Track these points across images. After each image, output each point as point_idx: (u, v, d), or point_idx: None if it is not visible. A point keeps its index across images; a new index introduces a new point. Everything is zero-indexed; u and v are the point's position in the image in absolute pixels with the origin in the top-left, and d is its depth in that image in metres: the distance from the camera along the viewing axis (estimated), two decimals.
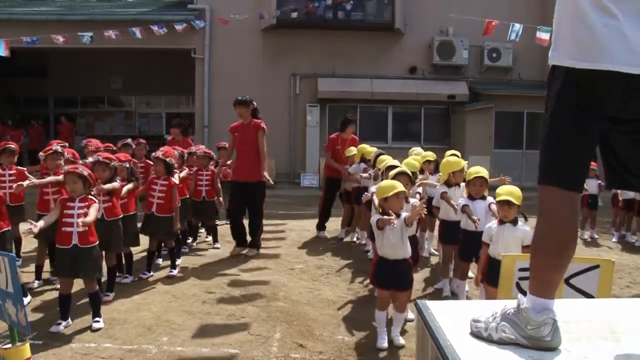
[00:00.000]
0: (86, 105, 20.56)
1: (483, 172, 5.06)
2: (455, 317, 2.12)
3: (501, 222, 4.22)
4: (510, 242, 4.10)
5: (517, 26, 10.94)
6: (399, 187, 4.22)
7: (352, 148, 7.99)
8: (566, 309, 2.10)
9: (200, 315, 4.82)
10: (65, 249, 4.31)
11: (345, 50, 15.61)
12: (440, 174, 5.92)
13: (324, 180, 8.84)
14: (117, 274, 5.50)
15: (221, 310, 4.97)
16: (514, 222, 4.19)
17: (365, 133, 15.77)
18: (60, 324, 4.36)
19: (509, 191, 4.25)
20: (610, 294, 2.87)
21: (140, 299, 5.22)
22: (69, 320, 4.47)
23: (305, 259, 6.89)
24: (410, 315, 4.70)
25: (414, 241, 4.88)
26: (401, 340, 4.22)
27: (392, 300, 4.29)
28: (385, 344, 4.17)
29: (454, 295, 5.40)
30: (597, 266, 2.87)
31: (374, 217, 4.32)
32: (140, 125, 20.83)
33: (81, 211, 4.33)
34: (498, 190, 4.34)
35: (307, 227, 8.63)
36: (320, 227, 8.28)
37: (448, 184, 5.57)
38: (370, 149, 7.42)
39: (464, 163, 5.72)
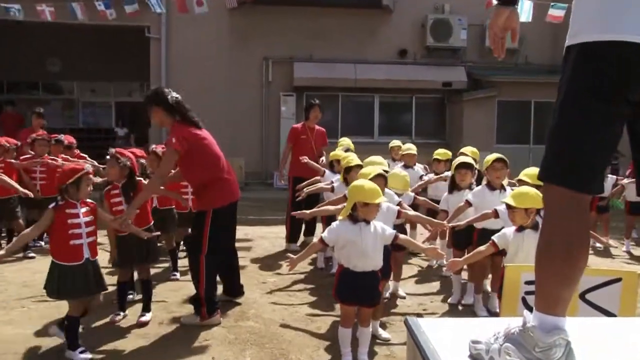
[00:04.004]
0: (14, 91, 20.03)
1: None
2: (452, 337, 2.12)
3: (520, 228, 4.28)
4: (531, 251, 4.10)
5: (528, 4, 10.93)
6: (380, 197, 4.20)
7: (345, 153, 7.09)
8: (582, 329, 2.09)
9: (156, 338, 4.76)
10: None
11: (325, 31, 15.63)
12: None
13: (289, 180, 8.25)
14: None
15: (181, 332, 4.92)
16: (535, 227, 4.22)
17: (348, 126, 15.86)
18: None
19: (516, 192, 4.32)
20: (635, 311, 2.85)
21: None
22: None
23: (279, 271, 6.86)
24: (385, 334, 4.80)
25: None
26: None
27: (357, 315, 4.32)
28: None
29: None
30: (618, 279, 2.86)
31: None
32: (84, 117, 20.55)
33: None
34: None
35: (281, 235, 8.59)
36: (292, 238, 8.15)
37: (491, 185, 5.56)
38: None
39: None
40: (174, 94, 5.15)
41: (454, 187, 5.99)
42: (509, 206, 4.32)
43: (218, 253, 5.26)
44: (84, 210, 4.29)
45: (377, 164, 5.33)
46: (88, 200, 4.41)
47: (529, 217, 4.25)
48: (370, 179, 4.49)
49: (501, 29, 2.23)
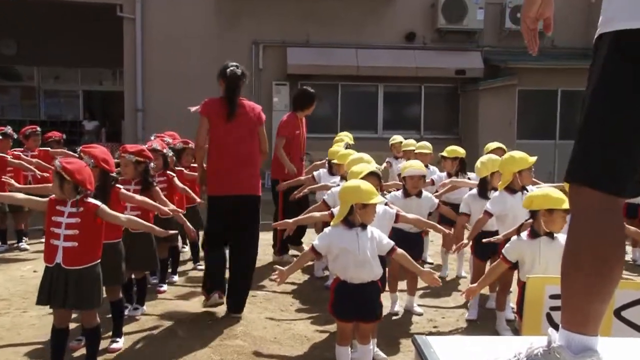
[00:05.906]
0: None
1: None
2: (466, 357, 2.12)
3: (534, 235, 4.30)
4: (550, 261, 4.14)
5: None
6: (378, 196, 4.21)
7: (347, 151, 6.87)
8: (617, 351, 2.08)
9: (132, 359, 4.76)
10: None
11: (323, 12, 15.63)
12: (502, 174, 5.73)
13: (274, 183, 8.12)
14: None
15: (160, 351, 4.92)
16: (551, 233, 4.25)
17: (348, 120, 15.86)
18: None
19: (551, 194, 4.29)
20: None
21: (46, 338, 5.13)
22: None
23: (271, 283, 6.85)
24: (381, 354, 4.83)
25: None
26: None
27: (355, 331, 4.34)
28: None
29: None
30: None
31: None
32: (46, 108, 20.48)
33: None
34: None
35: (272, 241, 8.60)
36: (283, 249, 8.10)
37: (511, 188, 5.49)
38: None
39: (532, 159, 5.57)
40: (238, 71, 5.84)
41: (486, 190, 5.85)
42: (548, 211, 4.22)
43: (215, 248, 5.84)
44: (72, 210, 4.17)
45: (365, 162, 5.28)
46: (92, 201, 4.25)
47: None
48: (362, 178, 4.50)
49: (533, 19, 2.22)
